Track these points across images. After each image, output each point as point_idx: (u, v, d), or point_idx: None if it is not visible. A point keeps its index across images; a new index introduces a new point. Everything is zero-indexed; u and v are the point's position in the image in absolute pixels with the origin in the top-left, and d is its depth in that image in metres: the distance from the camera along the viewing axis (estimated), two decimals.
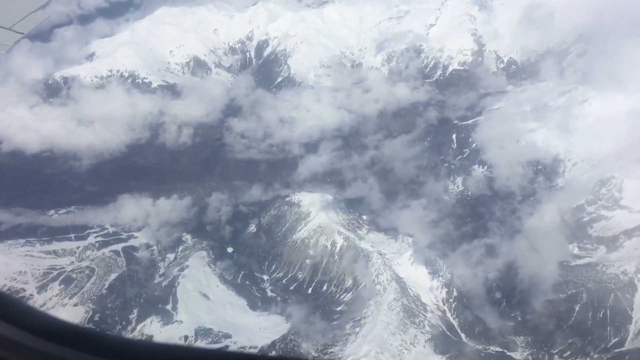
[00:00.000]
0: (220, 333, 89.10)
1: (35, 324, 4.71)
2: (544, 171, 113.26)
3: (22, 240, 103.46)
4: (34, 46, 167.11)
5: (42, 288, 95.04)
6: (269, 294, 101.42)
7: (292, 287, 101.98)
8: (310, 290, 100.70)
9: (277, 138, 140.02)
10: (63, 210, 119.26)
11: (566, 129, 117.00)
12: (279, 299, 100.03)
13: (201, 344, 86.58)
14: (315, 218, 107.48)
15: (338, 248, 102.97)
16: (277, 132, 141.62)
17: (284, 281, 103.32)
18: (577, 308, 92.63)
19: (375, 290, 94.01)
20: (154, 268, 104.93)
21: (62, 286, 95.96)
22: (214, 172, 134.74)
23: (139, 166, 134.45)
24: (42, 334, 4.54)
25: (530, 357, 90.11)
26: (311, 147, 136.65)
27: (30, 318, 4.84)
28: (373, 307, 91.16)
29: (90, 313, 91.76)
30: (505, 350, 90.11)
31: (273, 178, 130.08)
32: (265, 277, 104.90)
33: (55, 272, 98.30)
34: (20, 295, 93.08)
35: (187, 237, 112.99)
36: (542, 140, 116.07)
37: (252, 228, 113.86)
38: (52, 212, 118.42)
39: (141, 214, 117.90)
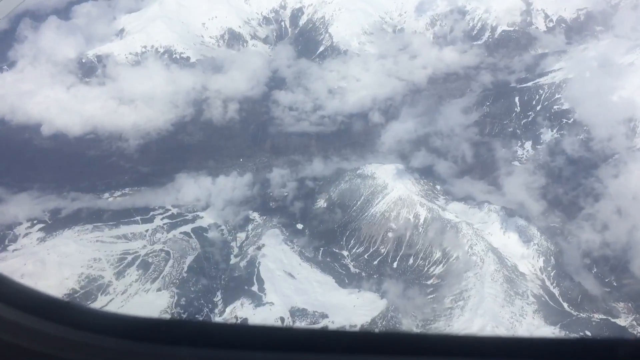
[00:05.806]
0: (317, 313, 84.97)
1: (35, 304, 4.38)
2: (623, 131, 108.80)
3: (90, 226, 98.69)
4: (61, 24, 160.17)
5: (119, 274, 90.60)
6: (352, 269, 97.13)
7: (375, 262, 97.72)
8: (395, 265, 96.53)
9: (329, 109, 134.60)
10: (118, 193, 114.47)
11: None
12: (363, 274, 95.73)
13: (300, 325, 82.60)
14: (394, 190, 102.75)
15: (422, 220, 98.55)
16: (328, 103, 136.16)
17: (365, 256, 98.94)
18: None
19: (471, 262, 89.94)
20: (228, 248, 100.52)
21: (140, 271, 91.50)
22: (266, 147, 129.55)
23: (188, 144, 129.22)
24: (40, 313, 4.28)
25: (635, 323, 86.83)
26: (368, 116, 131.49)
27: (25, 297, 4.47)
28: (474, 280, 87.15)
29: (176, 298, 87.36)
30: (609, 317, 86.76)
31: (331, 151, 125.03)
32: (345, 252, 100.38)
33: (129, 257, 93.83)
34: (99, 282, 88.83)
35: (255, 215, 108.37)
36: (618, 98, 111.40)
37: (322, 203, 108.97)
38: (106, 195, 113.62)
39: (203, 193, 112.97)
